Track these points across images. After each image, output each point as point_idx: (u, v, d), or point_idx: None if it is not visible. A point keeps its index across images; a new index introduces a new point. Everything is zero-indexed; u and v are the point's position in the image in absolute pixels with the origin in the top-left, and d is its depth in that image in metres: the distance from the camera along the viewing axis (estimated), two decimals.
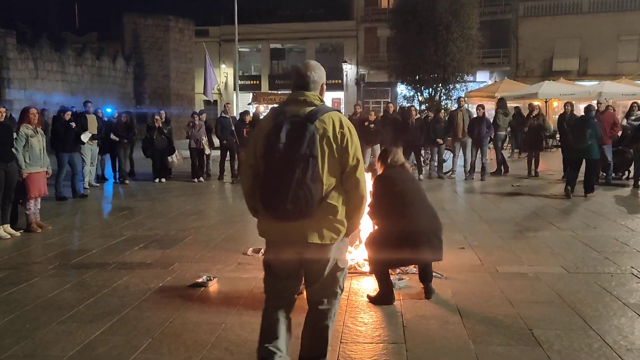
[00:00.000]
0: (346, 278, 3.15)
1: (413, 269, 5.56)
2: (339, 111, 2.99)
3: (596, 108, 12.49)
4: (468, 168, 13.34)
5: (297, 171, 2.71)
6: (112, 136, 12.66)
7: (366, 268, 5.51)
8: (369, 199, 2.76)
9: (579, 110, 13.76)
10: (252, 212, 3.04)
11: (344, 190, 2.93)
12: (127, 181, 12.91)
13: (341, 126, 2.87)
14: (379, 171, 5.01)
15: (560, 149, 13.57)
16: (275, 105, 3.12)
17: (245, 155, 3.12)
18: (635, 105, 12.96)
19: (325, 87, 3.10)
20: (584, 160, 10.35)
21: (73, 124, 10.75)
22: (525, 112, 15.99)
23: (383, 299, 4.69)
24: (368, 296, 4.83)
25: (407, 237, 4.59)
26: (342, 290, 3.15)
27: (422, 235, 4.63)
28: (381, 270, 4.73)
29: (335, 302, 3.13)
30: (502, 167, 14.00)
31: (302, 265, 3.01)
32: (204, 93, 16.87)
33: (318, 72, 3.02)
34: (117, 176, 13.13)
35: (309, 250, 2.91)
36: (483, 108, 13.20)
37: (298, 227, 2.84)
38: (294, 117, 2.83)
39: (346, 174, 2.89)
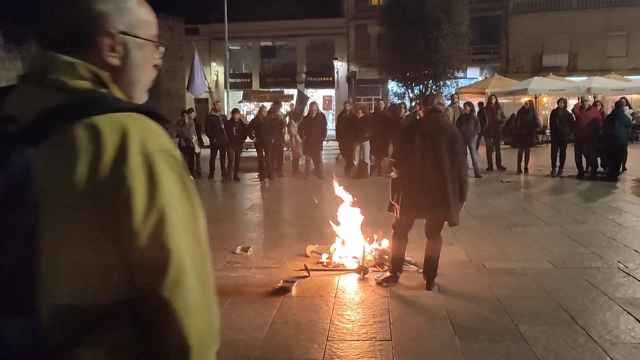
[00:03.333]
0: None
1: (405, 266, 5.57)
2: (152, 114, 1.10)
3: (580, 104, 12.64)
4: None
5: None
6: None
7: (352, 265, 5.51)
8: None
9: (567, 105, 13.77)
10: None
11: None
12: None
13: (121, 157, 1.01)
14: (420, 115, 5.07)
15: (550, 144, 13.65)
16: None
17: None
18: (624, 100, 13.04)
19: (141, 44, 1.21)
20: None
21: None
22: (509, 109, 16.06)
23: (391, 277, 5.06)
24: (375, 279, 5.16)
25: (412, 191, 4.72)
26: None
27: (424, 192, 4.70)
28: (397, 229, 5.00)
29: None
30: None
31: None
32: (187, 89, 16.77)
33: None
34: None
35: None
36: (470, 105, 13.22)
37: None
38: None
39: (143, 291, 1.05)
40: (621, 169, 12.86)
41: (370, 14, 35.07)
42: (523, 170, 13.29)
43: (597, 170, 12.21)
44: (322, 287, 5.08)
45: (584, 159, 12.24)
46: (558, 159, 12.65)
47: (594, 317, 4.21)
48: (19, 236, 0.97)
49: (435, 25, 24.43)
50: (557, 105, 13.08)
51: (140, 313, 1.05)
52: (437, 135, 4.76)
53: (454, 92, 19.99)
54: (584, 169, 12.28)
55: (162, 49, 1.29)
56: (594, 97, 17.85)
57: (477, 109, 14.06)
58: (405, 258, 5.68)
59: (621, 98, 13.33)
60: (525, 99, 17.70)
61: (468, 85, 28.94)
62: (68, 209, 1.00)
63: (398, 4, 25.30)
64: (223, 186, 12.51)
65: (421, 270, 5.13)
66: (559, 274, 5.33)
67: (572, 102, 25.33)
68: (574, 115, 12.44)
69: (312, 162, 13.25)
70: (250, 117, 20.26)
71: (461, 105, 13.65)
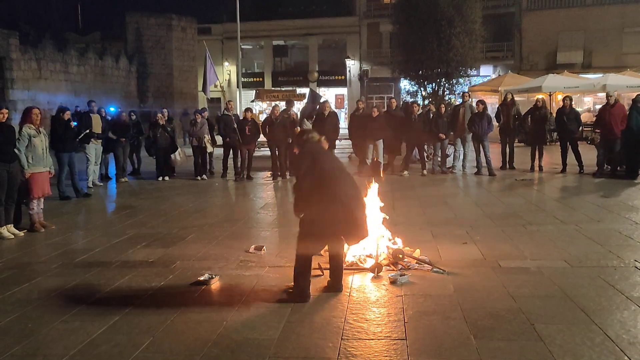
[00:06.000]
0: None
1: (415, 264, 5.56)
2: None
3: (606, 101, 12.51)
4: (475, 164, 13.27)
5: None
6: (110, 134, 12.61)
7: (368, 264, 5.51)
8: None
9: (582, 103, 13.72)
10: None
11: None
12: (123, 179, 12.97)
13: None
14: (296, 151, 4.97)
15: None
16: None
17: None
18: None
19: None
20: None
21: (72, 123, 10.70)
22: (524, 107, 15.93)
23: (298, 296, 4.68)
24: (287, 291, 4.86)
25: (329, 218, 4.58)
26: None
27: (340, 216, 4.59)
28: (304, 262, 4.72)
29: None
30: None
31: None
32: (203, 91, 16.89)
33: None
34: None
35: None
36: (483, 103, 13.14)
37: None
38: None
39: None
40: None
41: (382, 13, 34.99)
42: (537, 168, 13.19)
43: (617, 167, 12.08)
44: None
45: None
46: (574, 157, 12.54)
47: (611, 316, 4.17)
48: None
49: (448, 23, 24.29)
50: (562, 104, 13.04)
51: None
52: (329, 157, 4.87)
53: (466, 90, 19.90)
54: (603, 167, 12.16)
55: None
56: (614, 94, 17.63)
57: (494, 107, 14.00)
58: (419, 257, 5.68)
59: (638, 95, 13.14)
60: (539, 96, 17.55)
61: (481, 83, 28.77)
62: None
63: (410, 2, 25.20)
64: (236, 185, 12.55)
65: (436, 269, 5.11)
66: (575, 273, 5.28)
67: (587, 100, 25.13)
68: (597, 115, 12.18)
69: None
70: (262, 117, 20.28)
71: (473, 104, 13.57)
